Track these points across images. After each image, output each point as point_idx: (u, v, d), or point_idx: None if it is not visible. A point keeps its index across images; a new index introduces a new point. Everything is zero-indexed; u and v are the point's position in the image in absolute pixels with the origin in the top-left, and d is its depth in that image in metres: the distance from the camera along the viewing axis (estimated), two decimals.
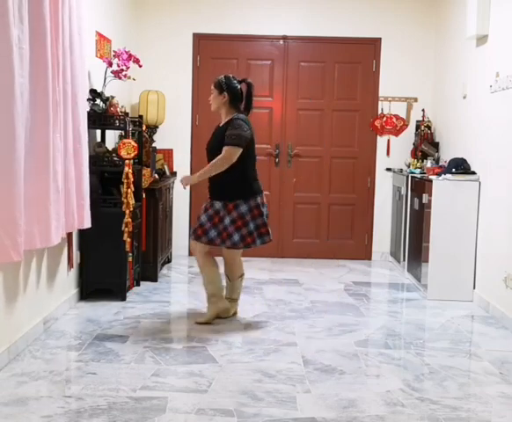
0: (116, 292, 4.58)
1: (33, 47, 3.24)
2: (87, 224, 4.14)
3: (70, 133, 3.82)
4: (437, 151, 5.99)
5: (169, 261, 6.02)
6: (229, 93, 4.08)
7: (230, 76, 4.17)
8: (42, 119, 3.36)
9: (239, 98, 4.14)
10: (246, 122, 4.05)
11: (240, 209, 3.99)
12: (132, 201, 4.47)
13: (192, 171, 6.41)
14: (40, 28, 3.29)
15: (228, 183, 4.01)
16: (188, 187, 4.18)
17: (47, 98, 3.37)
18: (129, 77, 4.79)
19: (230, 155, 3.96)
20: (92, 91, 4.51)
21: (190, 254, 6.44)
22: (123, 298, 4.57)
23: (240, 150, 3.97)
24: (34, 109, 3.30)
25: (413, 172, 5.69)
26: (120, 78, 4.69)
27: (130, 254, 4.60)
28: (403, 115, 6.44)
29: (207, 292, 4.16)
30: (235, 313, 4.30)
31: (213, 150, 4.07)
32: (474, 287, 4.88)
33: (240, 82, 4.16)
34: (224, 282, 4.29)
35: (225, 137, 3.96)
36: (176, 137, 6.34)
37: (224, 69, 6.33)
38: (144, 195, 4.95)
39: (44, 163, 3.39)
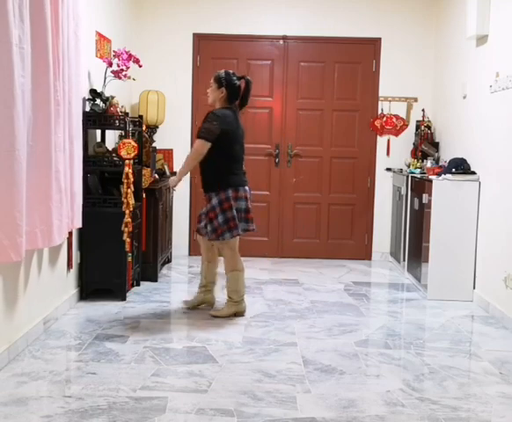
0: (116, 292, 4.58)
1: (34, 47, 3.24)
2: (78, 224, 4.14)
3: (68, 133, 3.82)
4: (437, 151, 5.99)
5: (169, 261, 6.02)
6: (227, 89, 4.17)
7: (231, 72, 4.23)
8: (43, 118, 3.36)
9: (236, 95, 4.21)
10: (222, 116, 4.08)
11: (212, 202, 4.11)
12: (132, 201, 4.47)
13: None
14: (40, 28, 3.29)
15: (205, 176, 4.18)
16: (178, 187, 4.43)
17: (48, 98, 3.38)
18: (129, 77, 4.79)
19: (197, 148, 4.08)
20: (92, 91, 4.51)
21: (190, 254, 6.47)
22: (123, 298, 4.57)
23: (208, 144, 4.04)
24: (36, 109, 3.30)
25: (413, 172, 5.69)
26: (120, 78, 4.69)
27: (130, 254, 4.60)
28: (403, 115, 6.44)
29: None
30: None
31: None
32: (474, 287, 4.88)
33: (240, 78, 4.22)
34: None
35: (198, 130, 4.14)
36: (176, 137, 6.34)
37: (224, 68, 6.36)
38: (144, 195, 4.95)
39: (46, 162, 3.39)
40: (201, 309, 4.40)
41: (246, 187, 4.23)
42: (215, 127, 4.04)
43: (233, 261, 4.25)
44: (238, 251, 4.29)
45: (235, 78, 4.19)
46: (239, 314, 4.28)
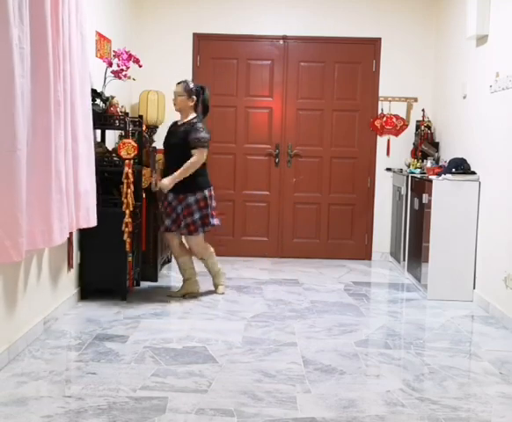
0: (116, 292, 4.58)
1: (34, 47, 3.24)
2: (91, 224, 4.14)
3: (72, 132, 3.81)
4: (437, 151, 6.00)
5: (169, 261, 6.02)
6: (197, 98, 4.68)
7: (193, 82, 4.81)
8: (43, 118, 3.35)
9: (201, 105, 4.76)
10: (205, 125, 4.68)
11: (188, 200, 4.57)
12: (132, 201, 4.47)
13: None
14: (40, 28, 3.28)
15: (187, 179, 4.58)
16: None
17: (48, 98, 3.36)
18: (129, 77, 4.78)
19: (201, 157, 4.59)
20: (92, 91, 4.51)
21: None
22: (123, 298, 4.57)
23: (207, 152, 4.65)
24: (36, 109, 3.29)
25: (413, 172, 5.69)
26: (120, 78, 4.69)
27: (130, 254, 4.60)
28: (403, 115, 6.44)
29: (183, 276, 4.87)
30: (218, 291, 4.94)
31: (176, 148, 4.62)
32: (474, 287, 4.88)
33: (199, 86, 4.77)
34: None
35: (192, 141, 4.54)
36: None
37: (224, 68, 6.39)
38: (144, 195, 4.95)
39: (45, 162, 3.38)
40: (186, 299, 4.76)
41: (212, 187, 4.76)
42: (209, 135, 4.63)
43: (203, 249, 4.82)
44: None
45: (199, 87, 4.74)
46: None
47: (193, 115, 4.68)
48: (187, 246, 4.83)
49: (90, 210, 4.12)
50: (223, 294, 4.87)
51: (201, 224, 4.62)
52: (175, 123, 4.79)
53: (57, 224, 3.49)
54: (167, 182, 4.57)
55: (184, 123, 4.66)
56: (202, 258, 4.86)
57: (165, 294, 4.80)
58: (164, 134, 6.21)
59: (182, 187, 4.58)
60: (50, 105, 3.39)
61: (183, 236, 4.79)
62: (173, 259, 6.10)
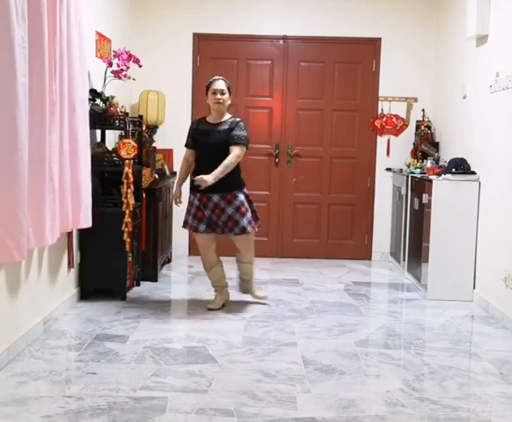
0: (116, 292, 4.58)
1: (30, 47, 3.23)
2: (85, 224, 4.11)
3: (68, 132, 3.80)
4: (437, 151, 6.00)
5: (169, 261, 6.02)
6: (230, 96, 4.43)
7: None
8: (38, 118, 3.33)
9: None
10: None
11: (240, 198, 4.33)
12: (132, 201, 4.47)
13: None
14: (37, 28, 3.27)
15: (230, 177, 4.29)
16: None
17: (43, 98, 3.35)
18: (129, 77, 4.79)
19: (241, 154, 4.31)
20: (92, 91, 4.51)
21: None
22: (123, 298, 4.57)
23: (245, 151, 4.39)
24: (31, 108, 3.28)
25: (413, 172, 5.69)
26: (120, 78, 4.69)
27: (130, 254, 4.60)
28: (403, 115, 6.44)
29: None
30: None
31: (220, 148, 4.27)
32: (474, 287, 4.88)
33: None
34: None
35: (236, 137, 4.29)
36: (176, 137, 6.30)
37: (224, 68, 6.37)
38: (144, 195, 4.95)
39: (39, 162, 3.36)
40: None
41: None
42: (249, 134, 4.41)
43: (252, 249, 4.68)
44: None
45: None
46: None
47: (228, 114, 4.39)
48: (240, 249, 4.56)
49: (85, 211, 4.09)
50: (264, 297, 4.71)
51: (255, 221, 4.45)
52: (206, 122, 4.41)
53: (49, 224, 3.47)
54: (211, 178, 4.15)
55: (223, 122, 4.34)
56: (250, 261, 4.61)
57: (205, 307, 4.45)
58: (164, 134, 6.25)
59: (228, 186, 4.27)
60: (45, 105, 3.37)
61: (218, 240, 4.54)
62: (173, 259, 6.12)
